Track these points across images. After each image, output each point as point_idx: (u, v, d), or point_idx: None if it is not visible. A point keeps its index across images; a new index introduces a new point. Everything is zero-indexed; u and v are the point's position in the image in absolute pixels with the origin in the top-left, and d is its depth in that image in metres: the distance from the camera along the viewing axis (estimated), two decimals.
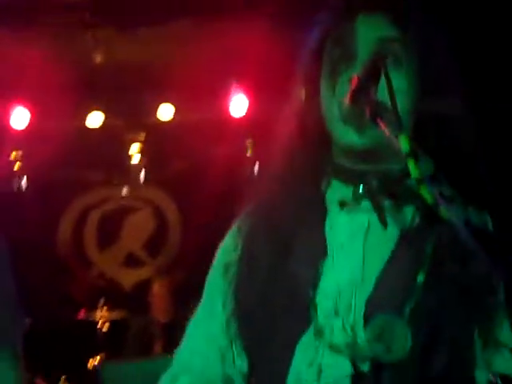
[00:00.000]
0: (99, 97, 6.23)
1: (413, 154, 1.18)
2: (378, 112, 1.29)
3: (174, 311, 6.07)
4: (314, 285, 1.39)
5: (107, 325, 5.88)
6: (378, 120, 1.28)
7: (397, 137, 1.21)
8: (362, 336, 1.34)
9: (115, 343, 5.84)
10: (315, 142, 1.50)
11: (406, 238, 1.39)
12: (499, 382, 1.08)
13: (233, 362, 1.51)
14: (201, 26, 5.36)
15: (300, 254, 1.43)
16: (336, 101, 1.41)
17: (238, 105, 6.39)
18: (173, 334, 5.90)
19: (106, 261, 7.37)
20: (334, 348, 1.35)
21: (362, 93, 1.31)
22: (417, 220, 1.40)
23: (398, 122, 1.25)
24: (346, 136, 1.40)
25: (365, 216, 1.42)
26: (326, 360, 1.35)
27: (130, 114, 6.63)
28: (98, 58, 5.27)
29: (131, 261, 7.36)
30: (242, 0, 5.09)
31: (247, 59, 5.47)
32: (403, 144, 1.19)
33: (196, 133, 6.67)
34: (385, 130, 1.26)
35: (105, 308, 5.93)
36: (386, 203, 1.41)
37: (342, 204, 1.45)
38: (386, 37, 1.40)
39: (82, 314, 5.95)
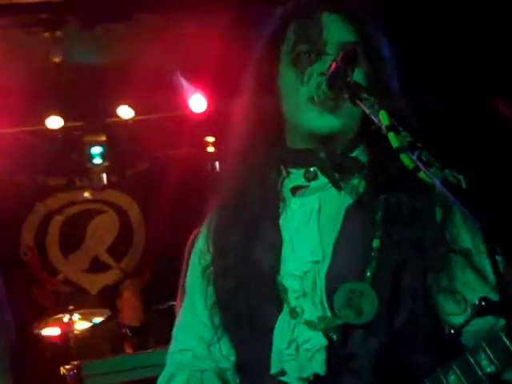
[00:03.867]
0: (57, 99, 6.16)
1: (392, 126, 1.28)
2: (356, 93, 1.38)
3: (142, 313, 6.06)
4: (277, 270, 1.51)
5: (77, 331, 5.81)
6: (358, 101, 1.37)
7: (377, 113, 1.31)
8: (331, 308, 1.45)
9: (85, 348, 5.78)
10: (271, 130, 1.60)
11: (354, 208, 1.50)
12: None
13: (220, 353, 1.62)
14: (158, 25, 5.35)
15: (261, 242, 1.55)
16: (307, 88, 1.50)
17: (197, 102, 6.41)
18: (142, 335, 5.90)
19: (70, 267, 7.29)
20: (308, 324, 1.46)
21: (339, 77, 1.40)
22: (361, 190, 1.52)
23: (376, 101, 1.35)
24: (321, 119, 1.50)
25: (315, 196, 1.54)
26: (302, 337, 1.46)
27: (90, 116, 6.58)
28: (56, 60, 5.20)
29: (96, 265, 7.31)
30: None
31: (205, 57, 5.47)
32: (383, 119, 1.30)
33: (156, 132, 6.66)
34: (364, 108, 1.36)
35: (73, 313, 5.85)
36: (334, 175, 1.53)
37: (294, 189, 1.57)
38: (349, 41, 1.52)
39: (49, 321, 5.87)
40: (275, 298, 1.49)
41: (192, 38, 5.39)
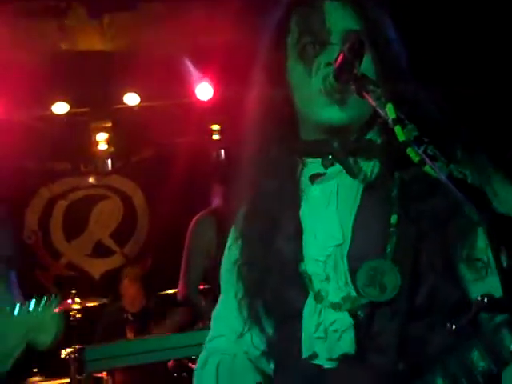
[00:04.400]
0: (64, 85, 6.18)
1: (399, 120, 1.26)
2: (363, 85, 1.37)
3: (144, 299, 6.10)
4: (300, 257, 1.53)
5: (79, 314, 5.84)
6: (364, 93, 1.36)
7: (384, 106, 1.29)
8: (355, 288, 1.47)
9: (87, 332, 5.82)
10: (285, 123, 1.61)
11: (370, 189, 1.52)
12: (485, 301, 1.19)
13: (251, 342, 1.67)
14: (165, 13, 5.36)
15: (283, 233, 1.58)
16: (316, 80, 1.50)
17: (203, 90, 6.41)
18: (144, 321, 5.95)
19: (74, 251, 7.33)
20: (333, 306, 1.48)
21: (346, 69, 1.40)
22: (376, 170, 1.53)
23: (384, 93, 1.33)
24: (329, 111, 1.51)
25: (333, 182, 1.55)
26: (329, 319, 1.48)
27: (96, 102, 6.59)
28: (63, 47, 5.22)
29: (100, 250, 7.34)
30: None
31: (211, 44, 5.48)
32: (390, 112, 1.27)
33: (162, 119, 6.67)
34: (371, 101, 1.34)
35: (76, 298, 5.89)
36: (349, 161, 1.55)
37: (313, 177, 1.59)
38: (353, 28, 1.52)
39: None
40: (300, 284, 1.52)
41: (198, 25, 5.41)
